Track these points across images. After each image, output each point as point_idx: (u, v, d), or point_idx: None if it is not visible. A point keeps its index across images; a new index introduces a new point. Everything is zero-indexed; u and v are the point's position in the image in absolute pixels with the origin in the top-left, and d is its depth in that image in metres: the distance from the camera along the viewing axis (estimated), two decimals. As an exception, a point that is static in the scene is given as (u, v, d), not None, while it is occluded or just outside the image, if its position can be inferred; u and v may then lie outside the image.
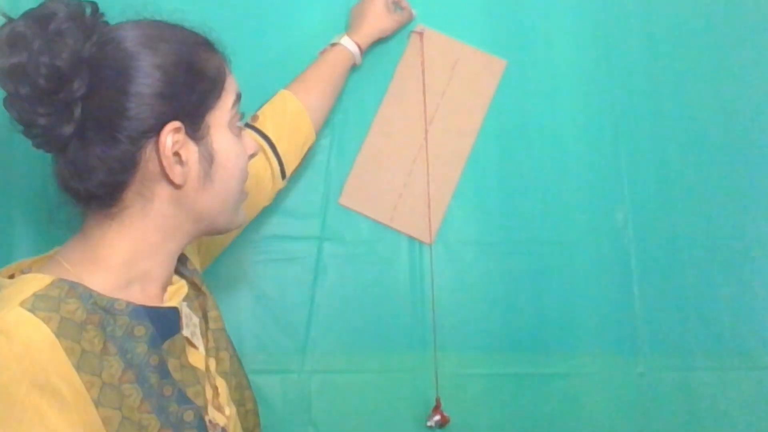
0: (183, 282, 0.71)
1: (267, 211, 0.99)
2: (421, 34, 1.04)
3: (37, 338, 0.55)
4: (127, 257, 0.65)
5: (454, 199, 1.02)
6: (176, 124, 0.63)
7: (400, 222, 1.01)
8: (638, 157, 1.03)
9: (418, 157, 1.03)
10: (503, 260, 1.01)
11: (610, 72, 1.05)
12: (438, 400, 0.94)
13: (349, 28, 0.99)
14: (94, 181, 0.63)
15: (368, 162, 1.02)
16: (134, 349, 0.61)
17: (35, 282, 0.60)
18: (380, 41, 1.02)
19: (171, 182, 0.64)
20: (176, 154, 0.63)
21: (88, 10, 0.63)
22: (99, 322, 0.60)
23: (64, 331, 0.57)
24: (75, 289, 0.60)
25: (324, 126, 1.00)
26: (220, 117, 0.67)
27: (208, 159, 0.66)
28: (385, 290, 0.99)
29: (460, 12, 1.05)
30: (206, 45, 0.68)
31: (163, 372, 0.63)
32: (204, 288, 0.76)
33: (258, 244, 0.99)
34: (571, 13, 1.05)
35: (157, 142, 0.63)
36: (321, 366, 0.97)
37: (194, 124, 0.65)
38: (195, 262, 0.79)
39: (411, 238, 1.01)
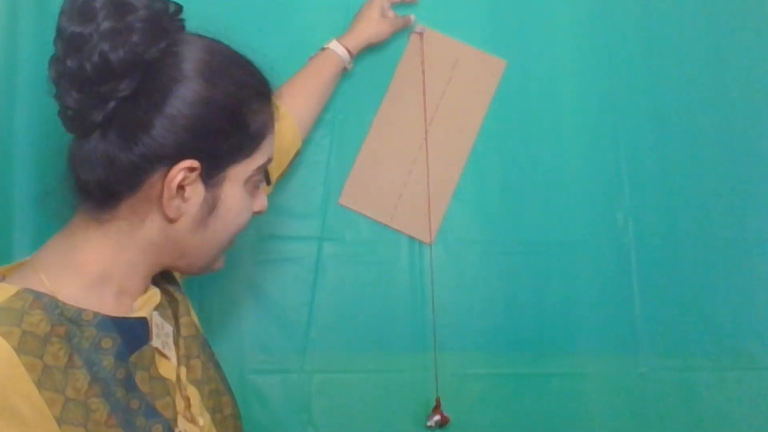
0: (155, 290, 0.68)
1: (267, 211, 0.99)
2: (421, 34, 1.04)
3: None
4: (103, 270, 0.62)
5: (454, 199, 1.02)
6: (194, 163, 0.61)
7: (400, 222, 1.01)
8: (638, 157, 1.03)
9: (418, 157, 1.03)
10: (503, 260, 1.01)
11: (610, 72, 1.05)
12: (438, 400, 0.94)
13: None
14: (95, 177, 0.61)
15: (368, 162, 1.02)
16: (101, 362, 0.59)
17: None
18: (378, 45, 1.02)
19: (164, 214, 0.62)
20: (181, 188, 0.61)
21: (171, 11, 0.61)
22: (65, 334, 0.57)
23: (25, 346, 0.54)
24: (40, 300, 0.57)
25: (324, 126, 1.01)
26: (240, 174, 0.65)
27: (210, 207, 0.64)
28: (385, 290, 0.99)
29: (460, 12, 1.05)
30: (263, 96, 0.66)
31: (130, 385, 0.61)
32: (177, 294, 0.73)
33: (258, 244, 0.99)
34: (571, 13, 1.05)
35: (167, 171, 0.61)
36: (321, 366, 0.97)
37: (212, 170, 0.63)
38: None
39: (411, 238, 1.01)
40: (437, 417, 0.93)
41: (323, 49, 0.96)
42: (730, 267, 1.02)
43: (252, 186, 0.67)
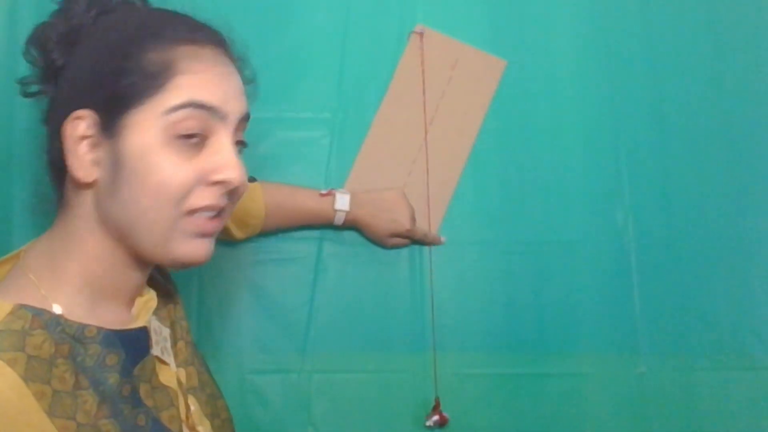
0: (152, 294, 0.66)
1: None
2: (421, 34, 1.04)
3: (4, 386, 0.50)
4: (82, 270, 0.59)
5: (454, 199, 1.02)
6: (82, 112, 0.57)
7: (400, 222, 1.01)
8: (638, 157, 1.03)
9: (418, 157, 1.03)
10: (503, 260, 1.01)
11: (610, 72, 1.05)
12: (437, 400, 0.94)
13: (364, 207, 0.96)
14: (48, 156, 0.61)
15: (368, 162, 1.02)
16: (106, 380, 0.56)
17: None
18: (379, 44, 1.02)
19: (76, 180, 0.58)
20: (84, 144, 0.58)
21: None
22: (68, 353, 0.55)
23: (32, 373, 0.51)
24: (40, 317, 0.54)
25: (324, 126, 1.01)
26: (144, 119, 0.56)
27: (114, 162, 0.57)
28: (385, 290, 0.99)
29: (460, 12, 1.05)
30: (163, 36, 0.59)
31: (135, 401, 0.58)
32: (176, 295, 0.71)
33: (258, 244, 0.98)
34: (571, 13, 1.05)
35: None
36: (321, 366, 0.97)
37: (108, 119, 0.57)
38: None
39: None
40: (436, 417, 0.93)
41: (335, 206, 0.94)
42: (730, 267, 1.01)
43: (176, 137, 0.57)
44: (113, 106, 0.57)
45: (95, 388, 0.55)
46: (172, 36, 0.59)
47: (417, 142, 1.03)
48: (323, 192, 0.95)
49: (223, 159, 0.59)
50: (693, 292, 1.01)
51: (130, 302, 0.64)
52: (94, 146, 0.58)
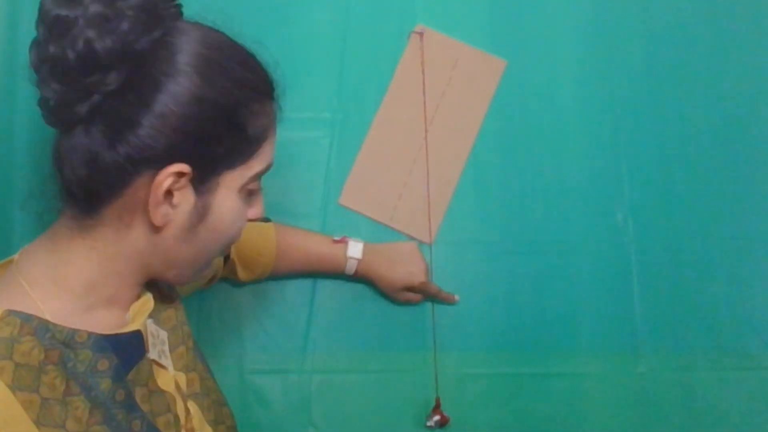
0: (148, 296, 0.64)
1: (268, 212, 0.99)
2: (421, 34, 1.04)
3: None
4: (91, 281, 0.58)
5: (454, 199, 1.02)
6: (184, 167, 0.55)
7: (400, 222, 1.01)
8: (638, 157, 1.03)
9: (418, 157, 1.03)
10: (503, 260, 1.01)
11: (611, 72, 1.05)
12: (438, 400, 0.94)
13: (376, 261, 0.95)
14: (77, 176, 0.55)
15: (368, 162, 1.02)
16: (98, 386, 0.55)
17: None
18: (379, 44, 1.02)
19: (150, 221, 0.57)
20: (170, 193, 0.56)
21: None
22: (59, 359, 0.53)
23: (20, 381, 0.50)
24: (29, 323, 0.52)
25: (324, 126, 1.01)
26: (235, 181, 0.59)
27: (201, 215, 0.58)
28: (385, 290, 0.99)
29: (460, 12, 1.05)
30: (264, 96, 0.60)
31: (130, 406, 0.57)
32: (177, 300, 0.70)
33: (258, 244, 0.98)
34: (571, 13, 1.05)
35: (155, 174, 0.55)
36: (321, 366, 0.97)
37: (204, 176, 0.57)
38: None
39: (411, 238, 1.01)
40: (437, 417, 0.93)
41: (350, 256, 0.93)
42: (731, 267, 1.01)
43: (247, 193, 0.62)
44: (212, 166, 0.58)
45: (87, 394, 0.54)
46: (264, 93, 0.61)
47: (417, 142, 1.03)
48: (336, 238, 0.95)
49: (259, 203, 0.66)
50: (693, 292, 1.01)
51: (126, 306, 0.63)
52: (182, 197, 0.57)
